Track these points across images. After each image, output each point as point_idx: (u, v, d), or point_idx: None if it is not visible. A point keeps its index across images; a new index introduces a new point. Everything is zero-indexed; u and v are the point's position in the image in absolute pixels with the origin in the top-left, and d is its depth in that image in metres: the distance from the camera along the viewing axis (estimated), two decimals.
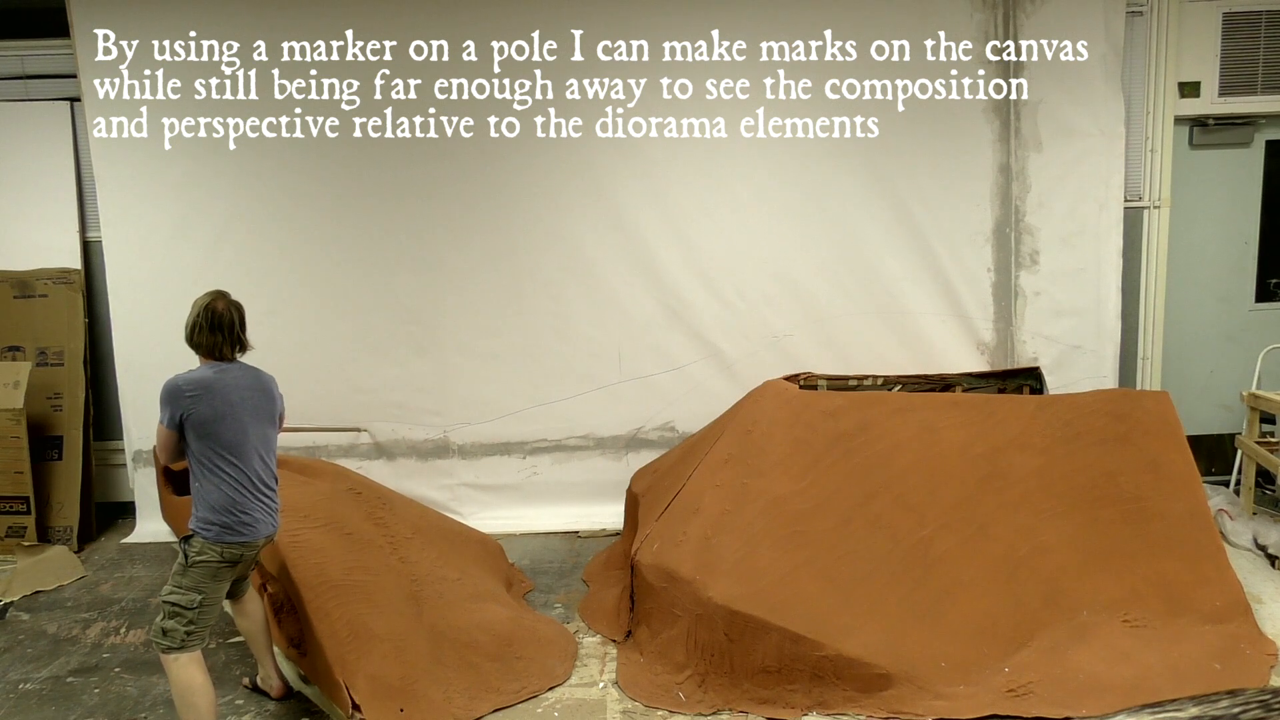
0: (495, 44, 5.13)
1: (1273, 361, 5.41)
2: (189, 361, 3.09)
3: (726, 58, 5.12)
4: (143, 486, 5.38)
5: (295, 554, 3.50)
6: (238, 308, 3.09)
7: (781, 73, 5.13)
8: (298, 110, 5.18)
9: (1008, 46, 5.12)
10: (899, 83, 5.12)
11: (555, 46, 5.13)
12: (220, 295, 3.08)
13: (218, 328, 3.03)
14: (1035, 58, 5.11)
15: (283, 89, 5.18)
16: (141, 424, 5.34)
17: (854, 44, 5.10)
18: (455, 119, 5.17)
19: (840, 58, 5.11)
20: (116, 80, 5.18)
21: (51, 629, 4.16)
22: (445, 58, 5.14)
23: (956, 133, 5.15)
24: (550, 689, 3.48)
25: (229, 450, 2.98)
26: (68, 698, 3.55)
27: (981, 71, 5.12)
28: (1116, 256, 5.23)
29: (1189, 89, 5.29)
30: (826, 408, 4.18)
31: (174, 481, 5.02)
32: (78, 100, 5.30)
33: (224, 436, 2.97)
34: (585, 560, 4.81)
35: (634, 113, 5.16)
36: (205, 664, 3.01)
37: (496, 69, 5.14)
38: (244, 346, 3.12)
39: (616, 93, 5.15)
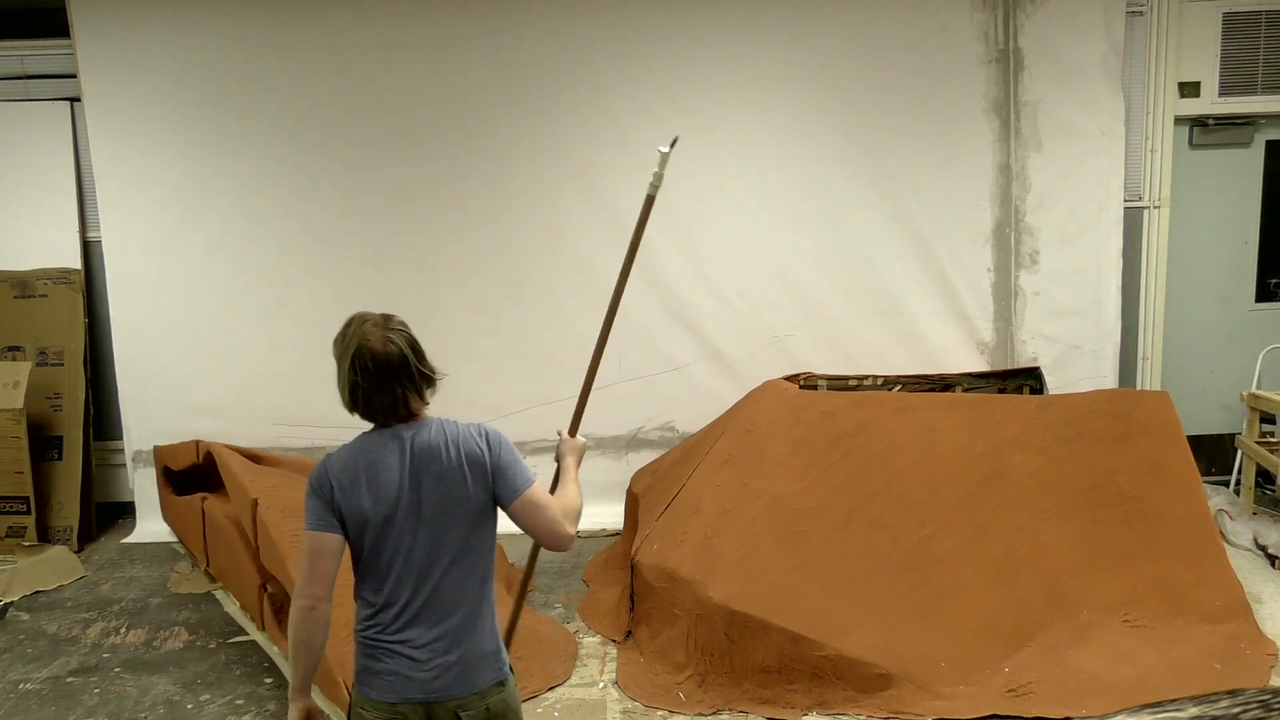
0: (497, 44, 5.13)
1: (1273, 361, 5.40)
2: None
3: (727, 57, 5.12)
4: (143, 486, 5.38)
5: (295, 554, 3.50)
6: (401, 339, 1.93)
7: (782, 72, 5.13)
8: (298, 110, 5.18)
9: (1007, 46, 5.11)
10: (899, 82, 5.11)
11: (555, 47, 5.13)
12: (375, 325, 1.93)
13: (376, 382, 1.90)
14: (1035, 58, 5.11)
15: (283, 88, 5.18)
16: (141, 424, 5.34)
17: (854, 44, 5.10)
18: (455, 119, 5.17)
19: (841, 57, 5.11)
20: (116, 80, 5.18)
21: (51, 629, 4.16)
22: (446, 58, 5.14)
23: (956, 133, 5.15)
24: (550, 689, 3.48)
25: (378, 568, 1.97)
26: (68, 698, 3.55)
27: (981, 72, 5.12)
28: (1116, 256, 5.23)
29: (1189, 89, 5.29)
30: (826, 408, 4.18)
31: (174, 481, 5.03)
32: (78, 100, 5.29)
33: (375, 548, 1.96)
34: (585, 560, 4.81)
35: (633, 113, 5.16)
36: None
37: (497, 69, 5.14)
38: (421, 393, 1.97)
39: (617, 93, 5.16)
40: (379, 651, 1.97)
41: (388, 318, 1.96)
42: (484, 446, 1.98)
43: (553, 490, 2.21)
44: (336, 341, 1.96)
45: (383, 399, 1.92)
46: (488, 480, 1.97)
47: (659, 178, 2.42)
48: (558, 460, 2.30)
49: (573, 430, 2.52)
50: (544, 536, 2.01)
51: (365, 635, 2.01)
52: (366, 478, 1.92)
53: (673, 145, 2.48)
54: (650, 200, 2.45)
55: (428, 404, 2.00)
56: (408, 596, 1.95)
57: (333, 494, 1.92)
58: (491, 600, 2.02)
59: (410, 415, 1.97)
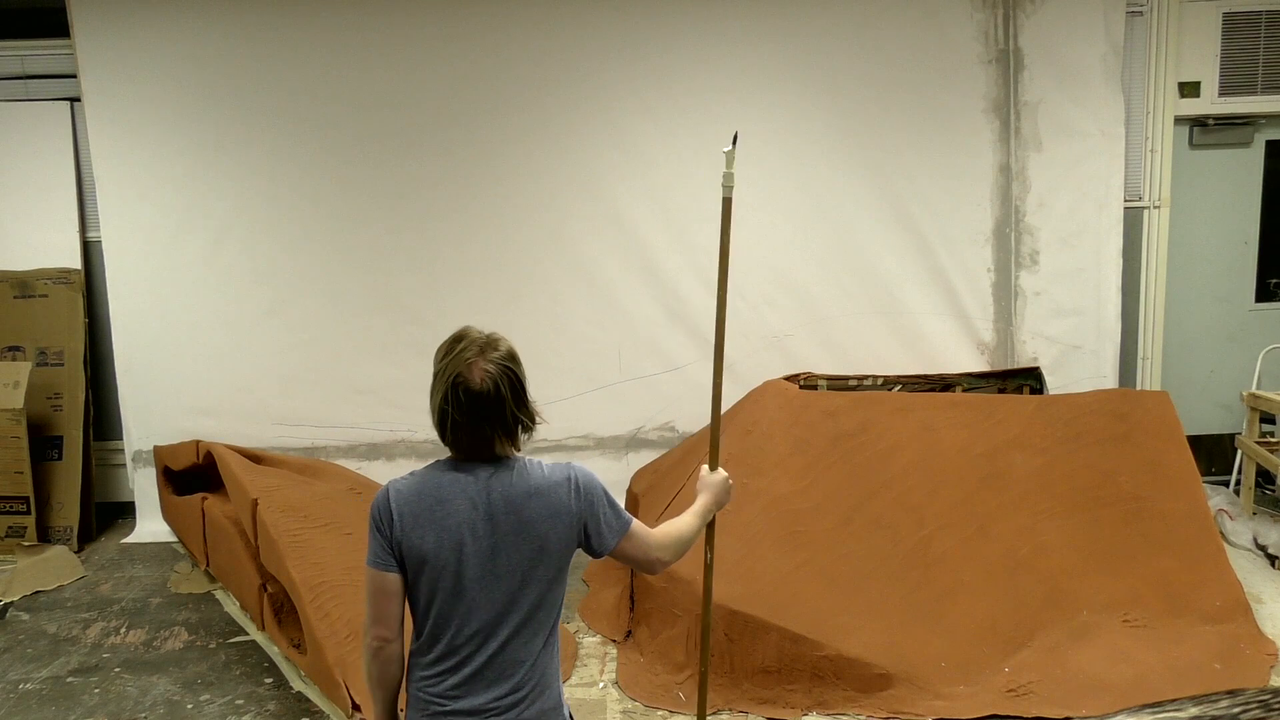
0: (497, 43, 5.13)
1: (1273, 361, 5.41)
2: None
3: (727, 57, 5.12)
4: (143, 486, 5.38)
5: (295, 554, 3.51)
6: (500, 375, 1.75)
7: (782, 72, 5.13)
8: (298, 110, 5.18)
9: (1007, 46, 5.11)
10: (899, 82, 5.11)
11: (556, 46, 5.13)
12: (476, 354, 1.74)
13: (469, 417, 1.73)
14: (1035, 58, 5.11)
15: (283, 88, 5.17)
16: (141, 424, 5.33)
17: (854, 44, 5.10)
18: (456, 118, 5.17)
19: (840, 57, 5.11)
20: (116, 80, 5.17)
21: (51, 629, 4.16)
22: (447, 57, 5.14)
23: (956, 133, 5.15)
24: None
25: (436, 618, 1.78)
26: (68, 698, 3.55)
27: (981, 72, 5.12)
28: (1116, 256, 5.23)
29: (1189, 89, 5.29)
30: (826, 408, 4.18)
31: (174, 481, 5.03)
32: (78, 100, 5.28)
33: (433, 595, 1.77)
34: (585, 560, 4.81)
35: (633, 113, 5.16)
36: None
37: (498, 68, 5.14)
38: (513, 437, 1.83)
39: (616, 93, 5.15)
40: (434, 710, 1.76)
41: (489, 346, 1.75)
42: (572, 496, 1.81)
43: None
44: (438, 356, 1.78)
45: (472, 437, 1.75)
46: (574, 532, 1.81)
47: (730, 178, 2.40)
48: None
49: (712, 464, 2.40)
50: (640, 566, 1.98)
51: (420, 691, 1.79)
52: (432, 515, 1.73)
53: (735, 143, 2.37)
54: (727, 203, 2.43)
55: (519, 450, 1.83)
56: (468, 654, 1.75)
57: (392, 528, 1.74)
58: (557, 653, 1.86)
59: (495, 457, 1.80)
